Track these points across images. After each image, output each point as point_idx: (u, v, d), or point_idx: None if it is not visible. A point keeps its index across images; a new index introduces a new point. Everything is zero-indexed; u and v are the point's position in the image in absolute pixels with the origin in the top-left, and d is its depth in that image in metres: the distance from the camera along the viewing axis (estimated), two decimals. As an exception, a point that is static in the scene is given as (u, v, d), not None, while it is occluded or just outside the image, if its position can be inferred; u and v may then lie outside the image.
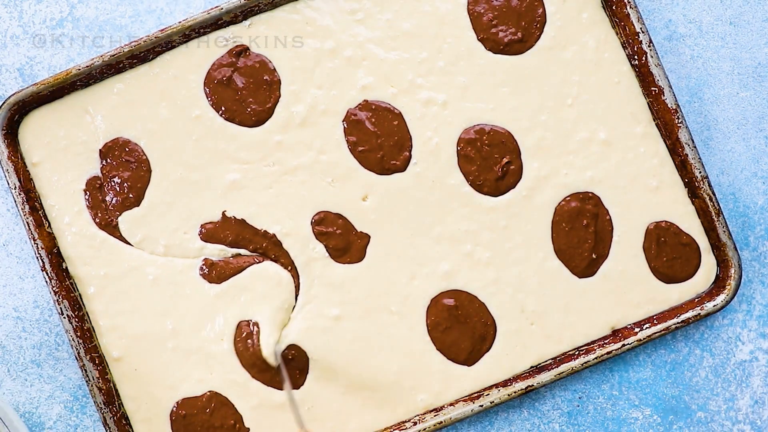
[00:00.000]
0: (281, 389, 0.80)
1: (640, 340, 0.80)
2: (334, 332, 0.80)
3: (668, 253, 0.82)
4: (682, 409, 0.84)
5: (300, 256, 0.80)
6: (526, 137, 0.81)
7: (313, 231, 0.80)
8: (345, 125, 0.81)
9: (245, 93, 0.80)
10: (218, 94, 0.80)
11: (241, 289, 0.80)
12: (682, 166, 0.81)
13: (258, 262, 0.80)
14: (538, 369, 0.81)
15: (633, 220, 0.82)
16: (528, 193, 0.81)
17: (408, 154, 0.81)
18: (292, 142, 0.81)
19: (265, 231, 0.80)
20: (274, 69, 0.80)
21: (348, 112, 0.81)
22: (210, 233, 0.80)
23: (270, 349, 0.78)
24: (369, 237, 0.81)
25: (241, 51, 0.80)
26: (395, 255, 0.81)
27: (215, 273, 0.80)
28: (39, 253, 0.78)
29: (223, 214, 0.80)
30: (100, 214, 0.80)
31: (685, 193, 0.82)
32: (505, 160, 0.81)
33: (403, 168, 0.81)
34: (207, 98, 0.80)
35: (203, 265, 0.80)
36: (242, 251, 0.80)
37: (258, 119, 0.80)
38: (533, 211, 0.81)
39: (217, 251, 0.80)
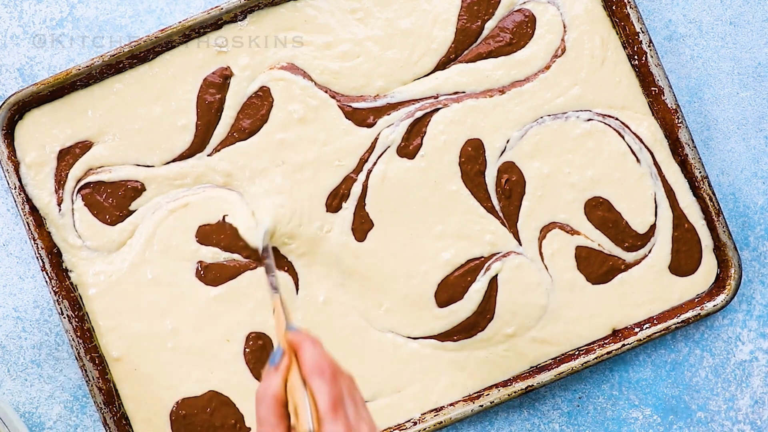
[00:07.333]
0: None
1: (640, 340, 0.80)
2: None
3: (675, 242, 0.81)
4: (682, 409, 0.84)
5: (296, 253, 0.80)
6: (524, 138, 0.81)
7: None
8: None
9: (239, 115, 0.80)
10: (209, 117, 0.80)
11: (240, 293, 0.80)
12: (682, 166, 0.81)
13: (252, 268, 0.80)
14: (538, 369, 0.81)
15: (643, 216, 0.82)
16: (542, 193, 0.81)
17: (419, 141, 0.80)
18: (294, 140, 0.80)
19: None
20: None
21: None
22: (206, 235, 0.80)
23: (257, 240, 0.77)
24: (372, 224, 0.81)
25: (229, 75, 0.79)
26: (394, 251, 0.81)
27: (211, 276, 0.80)
28: (39, 253, 0.78)
29: (223, 218, 0.80)
30: (99, 214, 0.80)
31: (687, 188, 0.82)
32: (504, 178, 0.80)
33: (411, 156, 0.81)
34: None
35: (198, 267, 0.80)
36: (236, 256, 0.80)
37: (251, 131, 0.80)
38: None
39: (211, 254, 0.80)
